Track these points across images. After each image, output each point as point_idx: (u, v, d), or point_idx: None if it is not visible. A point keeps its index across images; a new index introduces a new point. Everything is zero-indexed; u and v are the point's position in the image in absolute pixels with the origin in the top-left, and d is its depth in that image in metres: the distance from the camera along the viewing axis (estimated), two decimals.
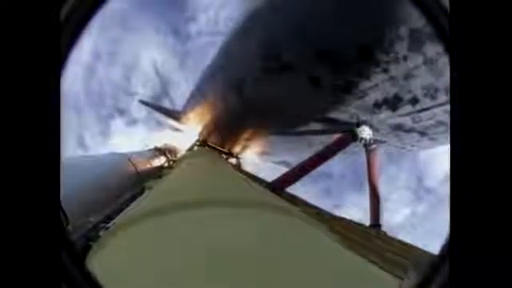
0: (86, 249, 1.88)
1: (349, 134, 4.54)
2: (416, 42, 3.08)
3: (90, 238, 2.25)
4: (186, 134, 9.19)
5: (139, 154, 6.86)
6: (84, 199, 3.53)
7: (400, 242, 3.01)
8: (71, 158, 4.52)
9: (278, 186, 4.29)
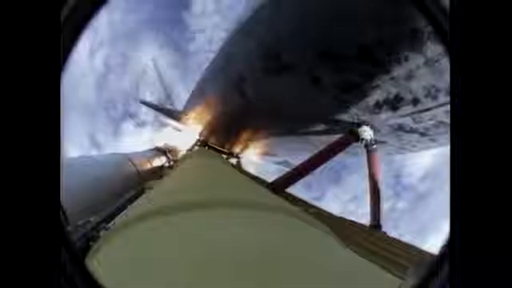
0: (86, 249, 1.89)
1: (350, 134, 4.54)
2: (417, 42, 3.08)
3: (90, 238, 2.26)
4: (186, 134, 9.27)
5: (140, 154, 6.87)
6: (84, 199, 3.54)
7: (400, 241, 3.01)
8: (72, 158, 4.53)
9: (278, 186, 4.29)
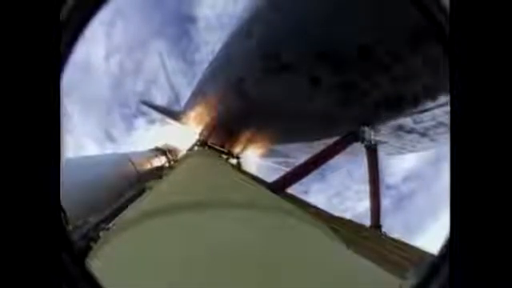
0: (86, 249, 1.89)
1: (349, 135, 4.54)
2: (416, 42, 3.08)
3: (90, 238, 2.26)
4: (186, 134, 9.31)
5: (139, 154, 6.86)
6: (84, 199, 3.54)
7: (400, 242, 3.01)
8: (72, 159, 4.53)
9: (278, 186, 4.29)
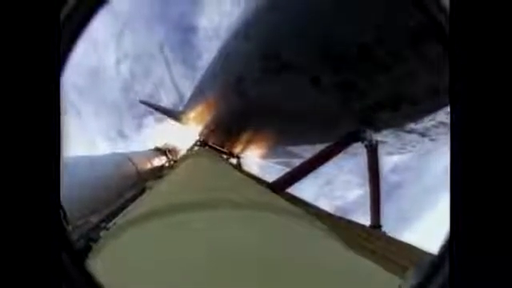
0: (87, 249, 1.89)
1: (349, 135, 4.54)
2: (417, 42, 3.08)
3: (91, 239, 2.26)
4: (186, 134, 9.35)
5: (140, 153, 6.87)
6: (84, 199, 3.54)
7: (400, 242, 3.01)
8: (72, 158, 4.53)
9: (278, 187, 4.28)
